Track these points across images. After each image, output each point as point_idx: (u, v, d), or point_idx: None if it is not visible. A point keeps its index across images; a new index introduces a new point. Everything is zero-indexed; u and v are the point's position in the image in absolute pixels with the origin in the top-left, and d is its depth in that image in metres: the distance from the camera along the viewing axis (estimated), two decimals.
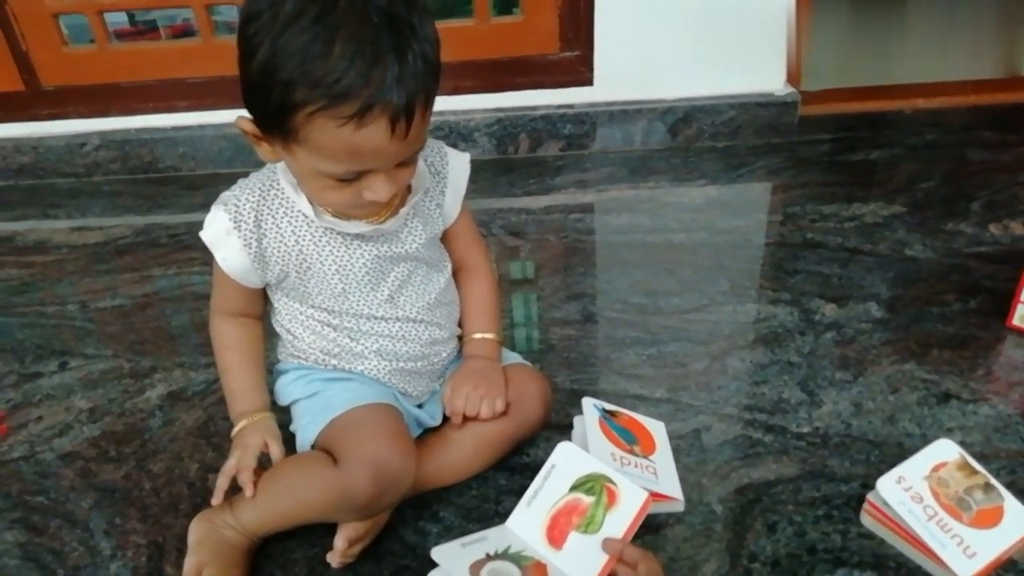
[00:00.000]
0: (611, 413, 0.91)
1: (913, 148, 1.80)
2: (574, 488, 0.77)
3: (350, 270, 0.81)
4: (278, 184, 0.78)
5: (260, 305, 0.87)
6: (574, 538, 0.74)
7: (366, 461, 0.74)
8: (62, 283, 1.41)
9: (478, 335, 0.92)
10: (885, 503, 0.78)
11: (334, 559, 0.77)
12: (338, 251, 0.80)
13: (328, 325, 0.84)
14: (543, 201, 1.63)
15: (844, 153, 1.79)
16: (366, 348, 0.85)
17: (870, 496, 0.80)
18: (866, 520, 0.80)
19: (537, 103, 1.83)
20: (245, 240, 0.77)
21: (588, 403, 0.91)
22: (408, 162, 0.72)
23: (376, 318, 0.84)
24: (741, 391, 1.02)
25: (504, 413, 0.86)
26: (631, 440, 0.88)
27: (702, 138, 1.86)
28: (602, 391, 1.02)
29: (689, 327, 1.16)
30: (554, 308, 1.23)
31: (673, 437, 0.92)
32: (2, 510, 0.89)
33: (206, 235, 0.78)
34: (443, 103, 1.81)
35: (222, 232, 0.78)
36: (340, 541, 0.76)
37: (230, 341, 0.86)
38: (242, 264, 0.79)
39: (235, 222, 0.77)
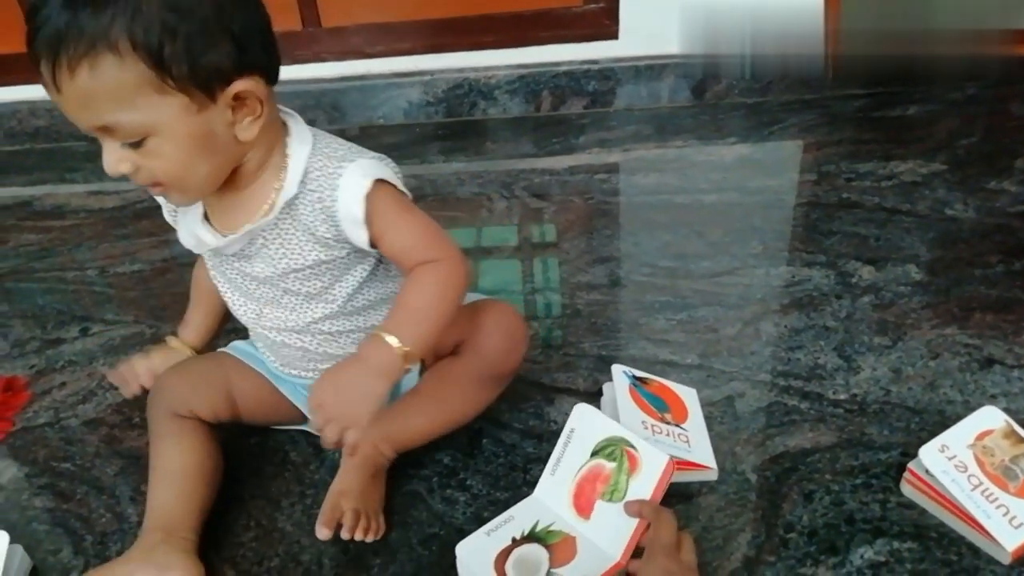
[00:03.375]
0: (641, 380, 0.89)
1: (953, 103, 1.72)
2: (595, 453, 0.75)
3: (220, 269, 0.79)
4: None
5: None
6: (601, 507, 0.73)
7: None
8: (81, 248, 1.40)
9: (383, 335, 0.70)
10: (927, 472, 0.75)
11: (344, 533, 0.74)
12: (208, 252, 0.78)
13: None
14: (567, 161, 1.58)
15: (880, 108, 1.72)
16: (257, 338, 0.85)
17: (911, 465, 0.77)
18: (906, 489, 0.78)
19: (560, 59, 1.77)
20: (167, 207, 0.78)
21: (618, 370, 0.88)
22: (132, 141, 0.62)
23: (245, 322, 0.82)
24: (775, 357, 0.98)
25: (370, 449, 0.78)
26: (662, 408, 0.86)
27: (731, 94, 1.80)
28: (631, 357, 0.99)
29: (720, 291, 1.12)
30: (580, 272, 1.20)
31: (705, 404, 0.89)
32: (30, 476, 0.89)
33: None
34: (463, 59, 1.77)
35: (161, 200, 0.78)
36: (321, 530, 0.74)
37: (200, 278, 0.89)
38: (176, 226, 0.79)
39: None
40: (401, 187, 0.74)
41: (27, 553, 0.76)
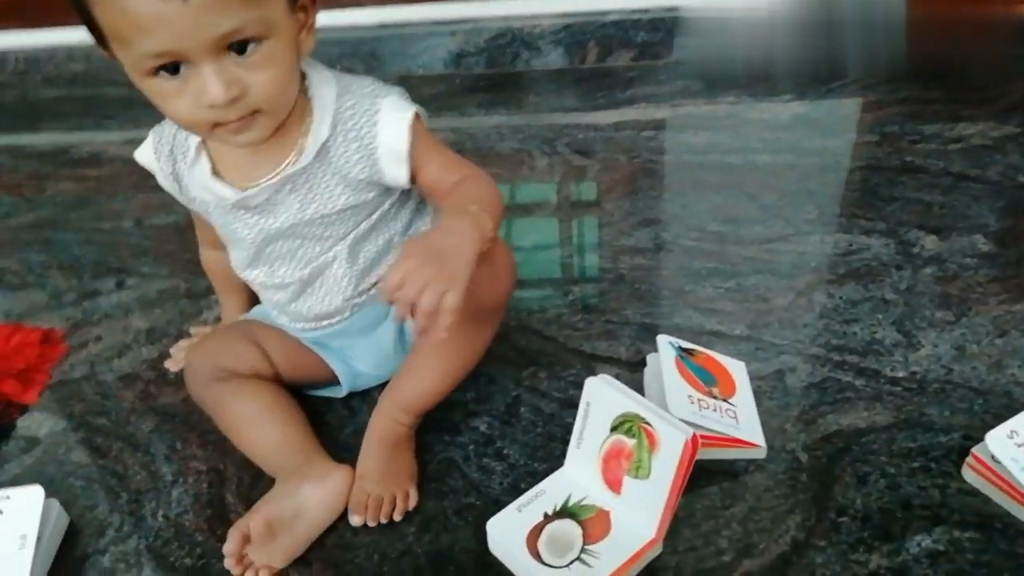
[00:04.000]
0: (688, 352, 0.85)
1: None
2: (614, 429, 0.71)
3: (229, 230, 0.76)
4: None
5: None
6: (629, 483, 0.70)
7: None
8: (117, 198, 1.39)
9: (461, 207, 0.66)
10: (993, 458, 0.70)
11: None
12: (219, 208, 0.75)
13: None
14: (612, 116, 1.52)
15: (950, 66, 1.61)
16: (267, 302, 0.83)
17: (975, 450, 0.73)
18: (969, 475, 0.73)
19: (608, 7, 1.69)
20: (163, 171, 0.76)
21: (664, 340, 0.84)
22: (245, 49, 0.59)
23: (257, 284, 0.81)
24: (829, 330, 0.93)
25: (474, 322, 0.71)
26: (710, 381, 0.82)
27: (788, 49, 1.70)
28: (676, 327, 0.95)
29: (772, 258, 1.06)
30: (623, 235, 1.15)
31: (754, 378, 0.85)
32: (67, 430, 0.89)
33: (138, 157, 0.77)
34: (507, 7, 1.70)
35: (148, 158, 0.76)
36: (353, 517, 0.74)
37: (213, 269, 0.90)
38: (174, 193, 0.77)
39: (155, 151, 0.75)
40: (424, 118, 0.73)
41: (63, 508, 0.76)
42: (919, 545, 0.68)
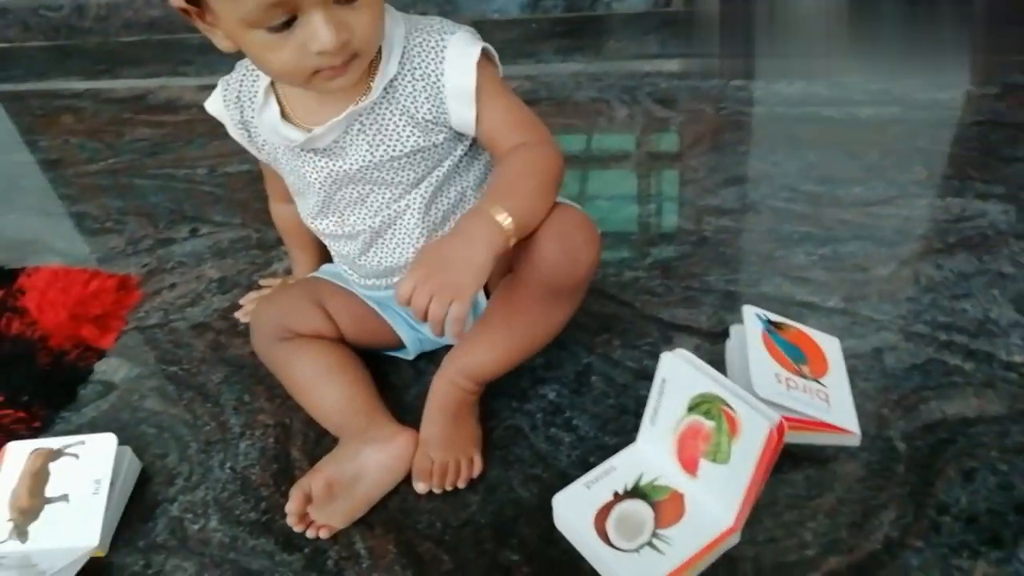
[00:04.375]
0: (776, 325, 0.78)
1: None
2: (691, 409, 0.66)
3: (298, 175, 0.74)
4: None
5: None
6: (706, 466, 0.65)
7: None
8: (192, 145, 1.40)
9: (484, 207, 0.65)
10: None
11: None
12: (289, 154, 0.73)
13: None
14: (699, 65, 1.42)
15: None
16: (337, 256, 0.82)
17: None
18: None
19: None
20: (233, 120, 0.75)
21: (750, 312, 0.78)
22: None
23: (326, 235, 0.79)
24: (936, 305, 0.85)
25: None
26: (799, 358, 0.75)
27: None
28: (763, 296, 0.89)
29: (873, 223, 0.98)
30: (708, 193, 1.08)
31: (848, 356, 0.78)
32: (141, 377, 0.90)
33: (209, 107, 0.77)
34: None
35: (218, 107, 0.76)
36: (418, 484, 0.72)
37: (283, 224, 0.90)
38: (244, 142, 0.77)
39: (224, 99, 0.75)
40: (498, 62, 0.71)
41: (135, 455, 0.77)
42: None
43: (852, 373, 0.76)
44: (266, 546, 0.69)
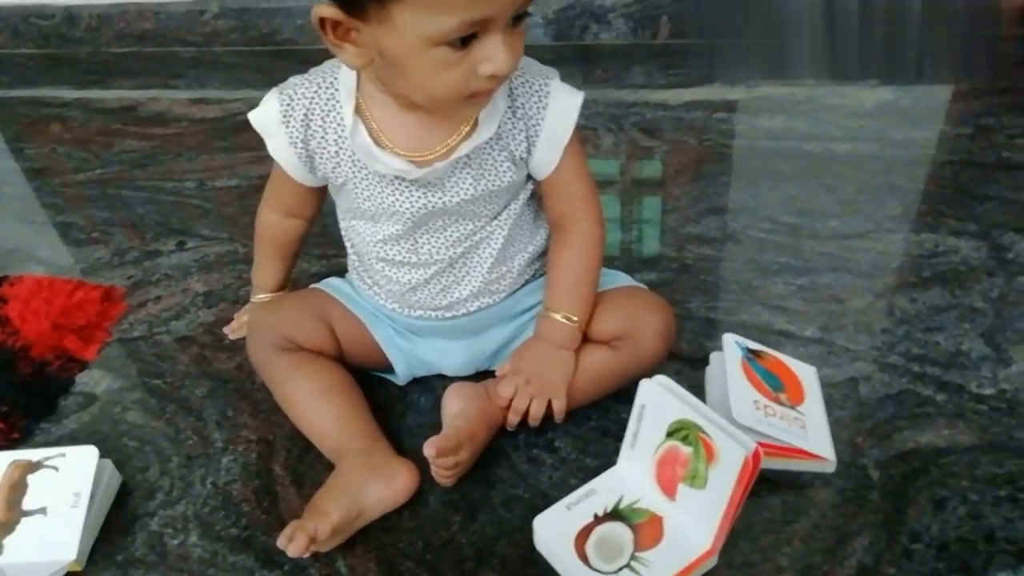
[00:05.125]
0: (756, 353, 0.80)
1: None
2: (670, 435, 0.67)
3: (380, 202, 0.72)
4: (336, 82, 0.69)
5: (312, 207, 0.83)
6: (685, 490, 0.66)
7: None
8: (181, 158, 1.40)
9: (556, 314, 0.77)
10: None
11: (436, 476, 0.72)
12: (371, 180, 0.71)
13: (350, 242, 0.81)
14: (683, 96, 1.45)
15: None
16: (373, 284, 0.81)
17: None
18: None
19: None
20: (291, 136, 0.71)
21: (730, 340, 0.80)
22: (521, 22, 0.59)
23: (388, 261, 0.77)
24: (910, 337, 0.87)
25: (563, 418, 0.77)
26: (777, 386, 0.77)
27: (876, 25, 1.59)
28: (742, 324, 0.91)
29: (850, 256, 1.00)
30: (690, 222, 1.10)
31: (824, 385, 0.80)
32: (124, 389, 0.90)
33: (255, 119, 0.72)
34: None
35: (272, 121, 0.71)
36: (428, 448, 0.70)
37: (268, 234, 0.86)
38: (290, 159, 0.73)
39: (285, 115, 0.70)
40: None
41: (116, 468, 0.77)
42: None
43: (828, 402, 0.78)
44: (246, 562, 0.69)
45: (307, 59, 0.73)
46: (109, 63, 1.85)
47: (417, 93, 0.63)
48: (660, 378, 0.69)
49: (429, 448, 0.69)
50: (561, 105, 0.70)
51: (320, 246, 1.08)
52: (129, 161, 1.41)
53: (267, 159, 0.74)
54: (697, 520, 0.65)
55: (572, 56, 1.65)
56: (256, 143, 1.40)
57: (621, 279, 0.84)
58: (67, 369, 0.92)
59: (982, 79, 1.40)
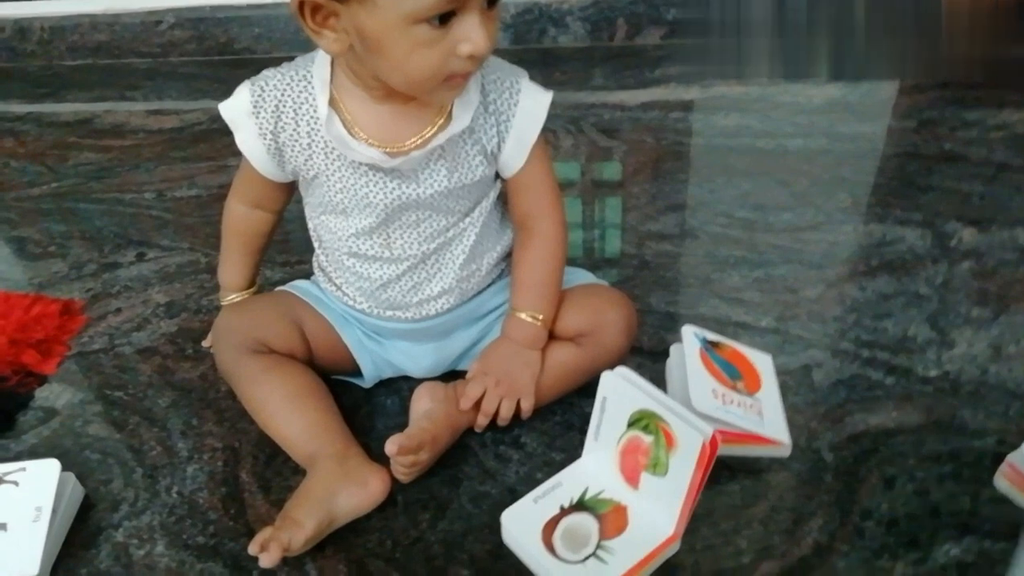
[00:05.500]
0: (714, 344, 0.82)
1: None
2: (631, 424, 0.69)
3: (353, 194, 0.73)
4: (309, 75, 0.69)
5: (279, 201, 0.83)
6: (647, 479, 0.68)
7: None
8: (139, 169, 1.39)
9: (522, 313, 0.78)
10: None
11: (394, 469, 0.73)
12: (345, 171, 0.72)
13: (319, 241, 0.81)
14: (640, 96, 1.48)
15: (996, 48, 1.55)
16: (343, 283, 0.81)
17: (1011, 457, 0.70)
18: (1002, 484, 0.71)
19: None
20: (261, 128, 0.71)
21: (688, 331, 0.82)
22: (495, 6, 0.60)
23: (360, 256, 0.77)
24: (859, 324, 0.90)
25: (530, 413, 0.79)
26: (735, 375, 0.79)
27: (822, 26, 1.64)
28: (701, 316, 0.93)
29: (802, 247, 1.03)
30: (649, 220, 1.12)
31: (780, 372, 0.82)
32: (85, 402, 0.89)
33: (225, 110, 0.72)
34: None
35: (242, 112, 0.71)
36: (390, 446, 0.70)
37: (234, 226, 0.85)
38: (258, 152, 0.74)
39: (255, 106, 0.70)
40: None
41: (79, 482, 0.76)
42: (947, 554, 0.66)
43: (783, 388, 0.81)
44: (214, 569, 0.69)
45: (265, 67, 0.73)
46: (62, 76, 1.82)
47: (396, 75, 0.63)
48: (621, 370, 0.71)
49: (391, 446, 0.70)
50: (531, 102, 0.72)
51: (283, 252, 1.08)
52: (86, 174, 1.39)
53: (227, 169, 0.75)
54: (660, 507, 0.67)
55: (531, 59, 1.67)
56: (215, 153, 1.40)
57: (583, 276, 0.86)
58: (25, 384, 0.91)
59: (924, 75, 1.46)
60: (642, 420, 0.68)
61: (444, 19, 0.58)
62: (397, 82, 0.64)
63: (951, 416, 0.78)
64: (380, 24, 0.58)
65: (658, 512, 0.67)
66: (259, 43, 1.77)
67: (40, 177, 1.39)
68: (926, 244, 1.02)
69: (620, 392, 0.69)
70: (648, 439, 0.67)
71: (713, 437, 0.63)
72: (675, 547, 0.67)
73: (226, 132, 0.74)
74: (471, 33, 0.58)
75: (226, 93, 0.73)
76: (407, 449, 0.70)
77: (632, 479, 0.69)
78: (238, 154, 0.75)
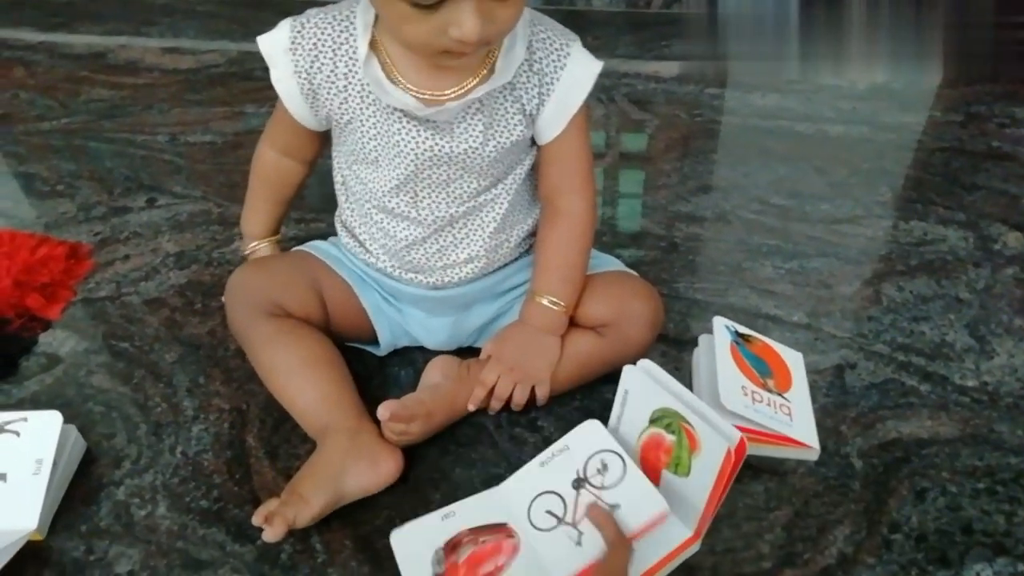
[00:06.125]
0: (745, 337, 0.79)
1: None
2: (653, 422, 0.66)
3: (386, 141, 0.69)
4: (353, 15, 0.66)
5: (310, 151, 0.80)
6: (668, 477, 0.65)
7: None
8: (152, 110, 1.34)
9: (543, 299, 0.75)
10: None
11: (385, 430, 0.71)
12: (379, 117, 0.68)
13: (347, 193, 0.78)
14: (676, 69, 1.42)
15: None
16: (368, 239, 0.78)
17: None
18: None
19: None
20: (297, 65, 0.68)
21: (720, 324, 0.78)
22: None
23: (388, 212, 0.74)
24: (896, 326, 0.87)
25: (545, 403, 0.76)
26: (765, 372, 0.76)
27: (876, 5, 1.57)
28: (730, 306, 0.89)
29: (839, 241, 0.99)
30: (680, 200, 1.08)
31: (810, 372, 0.80)
32: (89, 351, 0.86)
33: (263, 44, 0.69)
34: None
35: (280, 48, 0.68)
36: (382, 410, 0.69)
37: (263, 172, 0.82)
38: (291, 91, 0.70)
39: (293, 42, 0.68)
40: None
41: (81, 434, 0.74)
42: (978, 575, 0.63)
43: (813, 388, 0.78)
44: (217, 536, 0.67)
45: (286, 11, 0.70)
46: (76, 5, 1.76)
47: (394, 36, 0.63)
48: (644, 363, 0.68)
49: (383, 411, 0.68)
50: (579, 68, 0.69)
51: (297, 209, 1.04)
52: (97, 111, 1.35)
53: (243, 116, 0.71)
54: (680, 507, 0.64)
55: (561, 22, 1.60)
56: (231, 98, 1.35)
57: (609, 263, 0.83)
58: (29, 328, 0.88)
59: (976, 65, 1.39)
60: (664, 418, 0.65)
61: (432, 3, 0.55)
62: (398, 43, 0.63)
63: (988, 429, 0.75)
64: None
65: (679, 512, 0.64)
66: None
67: (50, 111, 1.35)
68: (969, 246, 0.98)
69: (642, 387, 0.67)
70: (670, 438, 0.65)
71: (741, 442, 0.60)
72: (695, 548, 0.64)
73: (243, 77, 0.70)
74: (461, 19, 0.56)
75: (245, 35, 0.70)
76: (398, 418, 0.69)
77: (653, 476, 0.66)
78: (255, 101, 0.72)
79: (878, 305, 0.90)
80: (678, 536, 0.63)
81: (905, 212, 1.05)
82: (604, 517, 0.61)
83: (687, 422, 0.63)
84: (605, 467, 0.65)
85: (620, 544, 0.60)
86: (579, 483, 0.65)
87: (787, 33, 1.54)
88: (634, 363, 0.68)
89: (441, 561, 0.61)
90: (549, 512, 0.64)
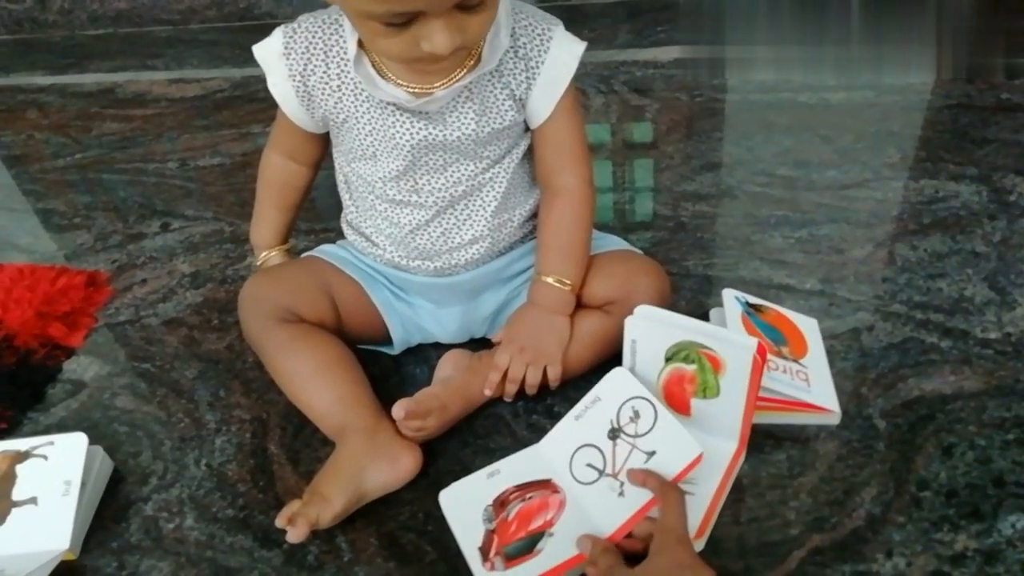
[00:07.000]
0: (756, 308, 0.78)
1: None
2: (669, 359, 0.68)
3: (382, 135, 0.71)
4: (341, 18, 0.68)
5: (312, 154, 0.81)
6: (698, 404, 0.67)
7: None
8: (161, 139, 1.37)
9: (548, 278, 0.75)
10: None
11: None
12: (373, 112, 0.70)
13: (349, 191, 0.79)
14: (673, 52, 1.42)
15: None
16: (374, 231, 0.79)
17: None
18: None
19: None
20: (291, 70, 0.70)
21: (729, 295, 0.78)
22: (476, 7, 0.58)
23: (390, 201, 0.75)
24: (912, 285, 0.85)
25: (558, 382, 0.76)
26: (779, 340, 0.75)
27: None
28: (741, 279, 0.89)
29: (848, 206, 0.98)
30: (685, 180, 1.07)
31: (827, 337, 0.79)
32: (112, 375, 0.88)
33: (258, 51, 0.71)
34: None
35: (274, 54, 0.70)
36: (397, 409, 0.69)
37: (269, 177, 0.83)
38: (287, 95, 0.72)
39: (286, 47, 0.70)
40: None
41: (108, 455, 0.75)
42: (1013, 527, 0.62)
43: (831, 353, 0.77)
44: (244, 543, 0.68)
45: None
46: (84, 46, 1.81)
47: (372, 49, 0.65)
48: (642, 309, 0.70)
49: (398, 410, 0.69)
50: (562, 51, 0.70)
51: (307, 220, 1.06)
52: (109, 144, 1.38)
53: (250, 136, 0.72)
54: (718, 426, 0.66)
55: (558, 15, 1.60)
56: (238, 120, 1.38)
57: (614, 242, 0.82)
58: (53, 357, 0.90)
59: (980, 20, 1.37)
60: (680, 352, 0.68)
61: (403, 24, 0.57)
62: (376, 55, 0.66)
63: (1014, 380, 0.73)
64: (346, 6, 0.60)
65: (718, 430, 0.66)
66: (280, 7, 1.73)
67: (64, 148, 1.38)
68: (982, 200, 0.96)
69: (649, 331, 0.69)
70: (691, 368, 0.67)
71: (760, 347, 0.64)
72: (742, 459, 0.66)
73: (248, 99, 0.72)
74: (432, 35, 0.57)
75: (248, 59, 0.71)
76: (414, 414, 0.69)
77: (682, 409, 0.68)
78: (260, 121, 0.73)
79: (892, 266, 0.88)
80: (727, 452, 0.66)
81: (915, 172, 1.03)
82: (644, 475, 0.62)
83: (705, 347, 0.66)
84: (637, 414, 0.66)
85: (669, 490, 0.60)
86: (614, 433, 0.66)
87: (783, 7, 1.52)
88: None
89: (492, 518, 0.63)
90: (590, 465, 0.65)
